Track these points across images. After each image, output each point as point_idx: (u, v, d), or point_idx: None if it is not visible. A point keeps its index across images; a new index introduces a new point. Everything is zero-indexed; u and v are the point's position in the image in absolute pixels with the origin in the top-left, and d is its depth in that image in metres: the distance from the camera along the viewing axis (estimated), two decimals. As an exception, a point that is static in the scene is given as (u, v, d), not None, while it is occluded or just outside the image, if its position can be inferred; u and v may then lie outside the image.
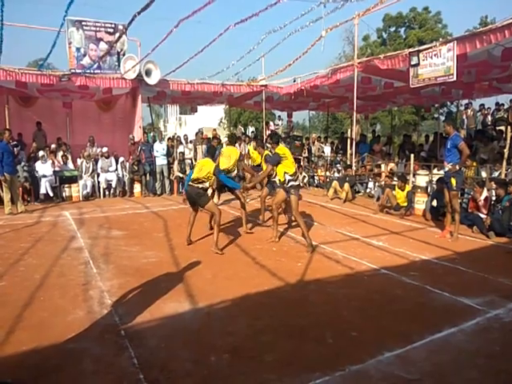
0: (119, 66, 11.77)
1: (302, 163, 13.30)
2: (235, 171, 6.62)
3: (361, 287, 4.21)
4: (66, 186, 10.64)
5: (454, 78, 8.21)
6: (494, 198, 7.06)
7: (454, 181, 6.03)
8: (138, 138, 12.32)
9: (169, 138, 13.11)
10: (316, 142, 15.36)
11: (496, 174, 8.16)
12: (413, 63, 8.93)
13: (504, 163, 7.99)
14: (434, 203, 7.51)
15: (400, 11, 28.98)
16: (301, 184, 6.37)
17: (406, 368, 2.68)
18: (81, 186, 10.80)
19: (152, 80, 11.81)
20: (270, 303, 3.79)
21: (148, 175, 11.49)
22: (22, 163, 10.17)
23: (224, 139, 13.71)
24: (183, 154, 12.01)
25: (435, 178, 8.35)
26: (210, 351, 2.89)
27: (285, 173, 5.52)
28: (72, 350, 2.92)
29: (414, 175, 9.33)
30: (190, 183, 5.64)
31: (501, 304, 3.69)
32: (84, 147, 11.82)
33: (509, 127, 8.76)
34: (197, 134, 13.38)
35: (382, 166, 11.43)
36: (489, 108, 13.10)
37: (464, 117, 13.97)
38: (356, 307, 3.70)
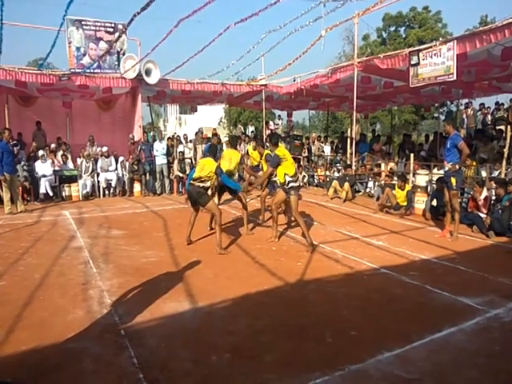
0: (119, 65, 11.77)
1: (301, 163, 13.31)
2: (236, 174, 6.62)
3: (360, 286, 4.21)
4: (66, 185, 10.66)
5: (454, 78, 8.21)
6: (493, 198, 7.06)
7: (453, 180, 6.03)
8: (137, 137, 12.32)
9: (169, 138, 13.11)
10: (316, 142, 15.37)
11: (496, 173, 8.16)
12: (413, 63, 8.93)
13: (504, 163, 8.00)
14: (434, 203, 7.51)
15: (400, 11, 28.96)
16: (301, 184, 6.35)
17: (406, 368, 2.68)
18: (80, 186, 10.81)
19: (152, 79, 11.81)
20: (270, 303, 3.79)
21: (148, 175, 11.49)
22: (22, 163, 10.17)
23: (224, 139, 13.68)
24: (183, 153, 12.02)
25: (435, 178, 8.35)
26: (210, 351, 2.89)
27: (285, 174, 5.51)
28: (72, 350, 2.92)
29: (413, 175, 9.33)
30: (192, 182, 5.62)
31: (501, 304, 3.69)
32: (84, 147, 11.82)
33: (509, 126, 8.77)
34: (197, 133, 13.38)
35: (382, 165, 11.44)
36: (489, 107, 13.10)
37: (464, 116, 13.97)
38: (356, 306, 3.70)
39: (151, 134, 14.74)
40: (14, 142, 9.80)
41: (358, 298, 3.90)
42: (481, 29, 8.27)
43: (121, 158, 11.74)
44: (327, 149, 15.40)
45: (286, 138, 14.51)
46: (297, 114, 19.60)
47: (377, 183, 10.60)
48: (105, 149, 11.54)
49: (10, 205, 8.42)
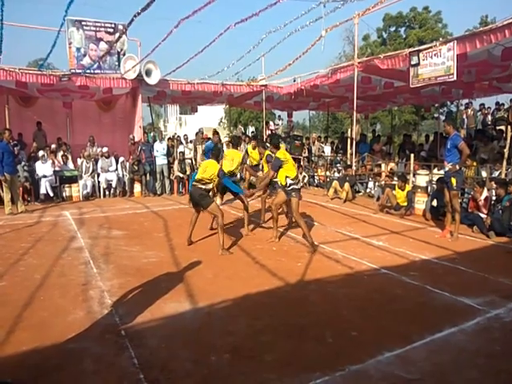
0: (119, 65, 11.77)
1: (302, 163, 13.30)
2: (238, 175, 6.60)
3: (361, 287, 4.21)
4: (66, 185, 10.66)
5: (454, 78, 8.21)
6: (494, 198, 7.06)
7: (454, 180, 6.03)
8: (138, 137, 12.32)
9: (169, 138, 13.12)
10: (316, 142, 15.36)
11: (496, 173, 8.15)
12: (413, 63, 8.93)
13: (504, 163, 7.99)
14: (434, 203, 7.51)
15: (400, 11, 28.97)
16: (301, 184, 6.33)
17: (406, 368, 2.68)
18: (81, 186, 10.81)
19: (152, 80, 11.81)
20: (270, 303, 3.79)
21: (148, 175, 11.49)
22: (22, 163, 10.17)
23: (224, 139, 13.69)
24: (183, 153, 12.02)
25: (435, 178, 8.35)
26: (210, 351, 2.89)
27: (286, 177, 5.50)
28: (72, 350, 2.92)
29: (414, 175, 9.32)
30: (194, 183, 5.61)
31: (501, 304, 3.69)
32: (84, 147, 11.82)
33: (509, 127, 8.76)
34: (197, 133, 13.38)
35: (382, 165, 11.43)
36: (489, 107, 13.10)
37: (464, 116, 13.97)
38: (356, 307, 3.70)
39: (151, 134, 14.75)
40: (15, 142, 9.82)
41: (358, 298, 3.90)
42: (481, 29, 8.27)
43: (121, 159, 11.74)
44: (327, 149, 15.40)
45: (286, 138, 14.49)
46: (297, 114, 19.62)
47: (377, 183, 10.60)
48: (105, 149, 11.54)
49: (11, 205, 8.43)
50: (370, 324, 3.35)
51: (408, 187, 8.28)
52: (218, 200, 7.06)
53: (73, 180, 10.77)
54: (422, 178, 9.10)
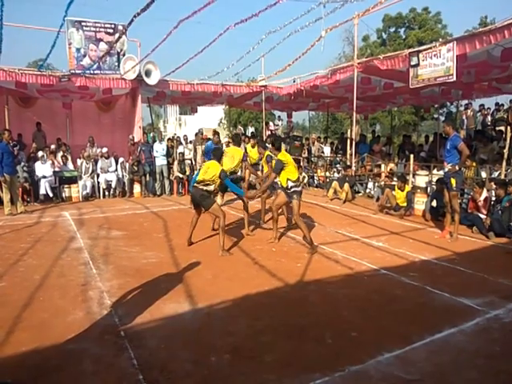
0: (119, 66, 11.77)
1: (301, 163, 13.30)
2: (239, 172, 6.58)
3: (360, 287, 4.21)
4: (66, 186, 10.65)
5: (454, 79, 8.22)
6: (493, 199, 7.06)
7: (453, 181, 6.04)
8: (137, 138, 12.32)
9: (168, 139, 13.12)
10: (316, 143, 15.37)
11: (496, 174, 8.16)
12: (412, 64, 8.94)
13: (504, 163, 8.00)
14: (434, 203, 7.51)
15: (400, 12, 29.00)
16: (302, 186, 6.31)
17: (406, 368, 2.68)
18: (80, 187, 10.81)
19: (152, 80, 11.82)
20: (270, 303, 3.79)
21: (148, 176, 11.49)
22: (22, 164, 10.17)
23: (224, 139, 13.68)
24: (183, 154, 12.02)
25: (435, 179, 8.35)
26: (210, 351, 2.89)
27: (287, 179, 5.50)
28: (72, 351, 2.92)
29: (413, 175, 9.33)
30: (195, 184, 5.57)
31: (500, 304, 3.69)
32: (84, 148, 11.82)
33: (508, 127, 8.77)
34: (196, 134, 13.38)
35: (382, 166, 11.43)
36: (488, 108, 13.11)
37: (464, 117, 13.97)
38: (356, 307, 3.70)
39: (151, 134, 14.76)
40: (14, 142, 9.81)
41: (358, 298, 3.90)
42: (480, 30, 8.28)
43: (121, 159, 11.74)
44: (327, 150, 15.41)
45: (285, 138, 14.51)
46: (297, 114, 19.64)
47: (377, 184, 10.60)
48: (105, 150, 11.54)
49: (10, 206, 8.42)
50: (369, 324, 3.35)
51: (407, 188, 8.28)
52: (218, 200, 7.04)
53: (72, 180, 10.77)
54: (421, 179, 9.11)
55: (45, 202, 10.14)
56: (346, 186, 9.95)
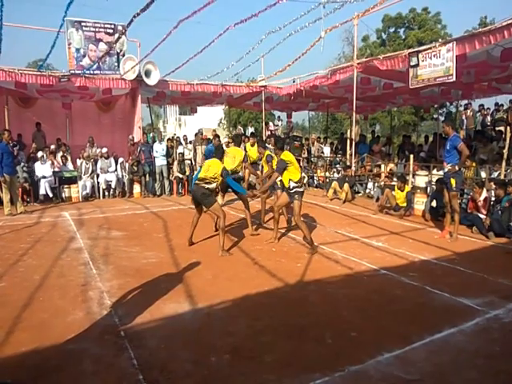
0: (119, 66, 11.77)
1: (301, 164, 13.30)
2: (240, 172, 6.57)
3: (360, 287, 4.21)
4: (66, 186, 10.65)
5: (454, 79, 8.22)
6: (493, 199, 7.07)
7: (453, 181, 6.04)
8: (137, 138, 12.32)
9: (168, 139, 13.11)
10: (315, 143, 15.37)
11: (495, 174, 8.16)
12: (412, 64, 8.94)
13: (503, 164, 8.00)
14: (434, 204, 7.51)
15: (399, 12, 29.02)
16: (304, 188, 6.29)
17: (406, 368, 2.68)
18: (80, 187, 10.80)
19: (151, 80, 11.82)
20: (269, 304, 3.79)
21: (147, 176, 11.50)
22: (22, 164, 10.17)
23: (224, 139, 13.69)
24: (183, 154, 12.02)
25: (434, 179, 8.36)
26: (210, 352, 2.89)
27: (290, 180, 5.48)
28: (72, 351, 2.92)
29: (413, 176, 9.33)
30: (197, 182, 5.53)
31: (500, 304, 3.69)
32: (83, 148, 11.82)
33: (508, 127, 8.77)
34: (196, 134, 13.39)
35: (382, 166, 11.44)
36: (488, 108, 13.11)
37: (463, 117, 13.99)
38: (355, 307, 3.70)
39: (151, 135, 14.75)
40: (14, 143, 9.81)
41: (357, 298, 3.90)
42: (480, 30, 8.28)
43: (120, 159, 11.74)
44: (327, 150, 15.42)
45: (285, 139, 14.51)
46: (296, 115, 19.63)
47: (376, 184, 10.60)
48: (104, 150, 11.54)
49: (10, 206, 8.42)
50: (369, 324, 3.35)
51: (407, 188, 8.28)
52: (219, 200, 7.03)
53: (72, 181, 10.77)
54: (421, 179, 9.11)
55: (44, 202, 10.14)
56: (346, 186, 9.95)
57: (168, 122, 44.84)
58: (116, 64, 11.91)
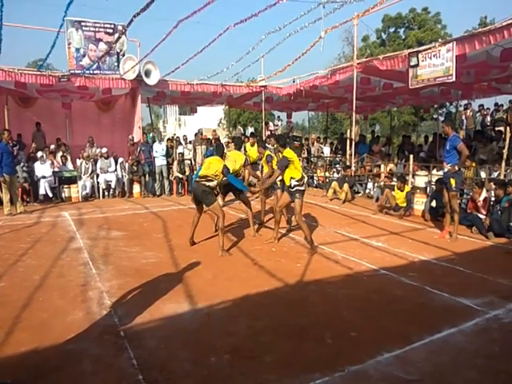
0: (119, 66, 11.77)
1: (301, 164, 13.30)
2: (241, 175, 6.55)
3: (360, 287, 4.21)
4: (66, 186, 10.64)
5: (453, 79, 8.22)
6: (493, 199, 7.07)
7: (453, 181, 6.04)
8: (137, 138, 12.32)
9: (168, 139, 13.11)
10: (315, 143, 15.38)
11: (495, 174, 8.17)
12: (412, 64, 8.94)
13: (503, 164, 8.01)
14: (433, 204, 7.51)
15: (399, 12, 29.03)
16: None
17: (406, 368, 2.68)
18: (80, 187, 10.80)
19: (151, 80, 11.82)
20: (269, 304, 3.79)
21: (147, 176, 11.49)
22: (22, 164, 10.17)
23: (224, 140, 13.69)
24: (182, 154, 12.02)
25: (434, 179, 8.36)
26: (210, 352, 2.89)
27: (291, 178, 5.47)
28: (71, 351, 2.92)
29: (413, 176, 9.33)
30: (197, 180, 5.50)
31: (500, 304, 3.69)
32: (83, 148, 11.81)
33: (508, 128, 8.78)
34: (196, 134, 13.39)
35: (382, 166, 11.44)
36: (488, 108, 13.12)
37: (463, 117, 13.99)
38: (355, 307, 3.70)
39: (151, 135, 14.76)
40: (14, 142, 9.80)
41: (357, 298, 3.90)
42: (480, 30, 8.28)
43: (120, 159, 11.73)
44: (326, 150, 15.42)
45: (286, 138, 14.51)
46: (296, 115, 19.64)
47: (376, 184, 10.61)
48: (104, 150, 11.53)
49: (10, 206, 8.41)
50: (369, 324, 3.35)
51: (407, 188, 8.28)
52: (219, 200, 7.03)
53: (72, 181, 10.76)
54: (421, 179, 9.11)
55: (44, 202, 10.14)
56: (346, 186, 9.95)
57: (168, 122, 44.87)
58: (116, 64, 11.91)
